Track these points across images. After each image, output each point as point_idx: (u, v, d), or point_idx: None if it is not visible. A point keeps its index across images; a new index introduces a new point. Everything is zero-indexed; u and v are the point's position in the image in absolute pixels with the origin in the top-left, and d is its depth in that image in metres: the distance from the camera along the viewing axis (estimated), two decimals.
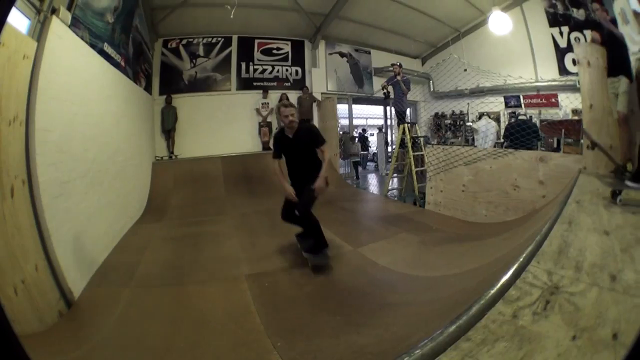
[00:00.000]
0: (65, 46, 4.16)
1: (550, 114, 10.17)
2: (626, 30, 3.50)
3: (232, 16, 9.17)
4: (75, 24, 4.52)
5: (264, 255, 4.61)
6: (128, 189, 6.37)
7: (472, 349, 1.51)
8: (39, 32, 3.64)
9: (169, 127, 9.85)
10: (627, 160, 4.07)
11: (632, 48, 3.46)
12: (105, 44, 5.68)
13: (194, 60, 10.73)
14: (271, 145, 11.05)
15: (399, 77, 8.44)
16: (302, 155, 4.22)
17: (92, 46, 5.11)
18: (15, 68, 3.08)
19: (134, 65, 7.58)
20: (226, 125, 10.83)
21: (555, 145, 7.41)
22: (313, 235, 4.14)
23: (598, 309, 1.63)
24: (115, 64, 6.15)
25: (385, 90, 8.86)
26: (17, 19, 3.33)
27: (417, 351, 1.54)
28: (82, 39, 4.74)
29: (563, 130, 7.21)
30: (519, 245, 2.58)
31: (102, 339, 2.88)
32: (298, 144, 4.21)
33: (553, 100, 10.17)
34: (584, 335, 1.48)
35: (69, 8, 4.35)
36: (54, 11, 3.90)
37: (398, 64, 8.72)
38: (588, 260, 2.08)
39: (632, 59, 3.47)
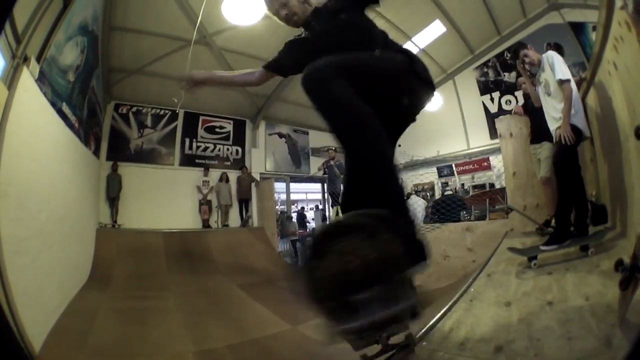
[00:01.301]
0: (31, 101, 4.10)
1: (484, 177, 10.92)
2: (548, 101, 3.71)
3: (177, 110, 9.91)
4: (41, 79, 4.48)
5: (208, 334, 4.71)
6: (75, 253, 6.11)
7: None
8: (11, 80, 3.59)
9: (113, 194, 9.63)
10: (553, 217, 4.33)
11: (552, 118, 3.68)
12: (64, 103, 5.61)
13: (142, 130, 10.75)
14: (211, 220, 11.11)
15: (332, 162, 8.91)
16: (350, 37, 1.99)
17: (53, 104, 5.03)
18: None
19: (86, 127, 7.47)
20: (168, 199, 10.73)
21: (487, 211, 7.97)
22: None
23: None
24: (70, 125, 6.04)
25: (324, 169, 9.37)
26: None
27: None
28: (45, 95, 4.68)
29: (487, 200, 7.70)
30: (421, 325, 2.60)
31: None
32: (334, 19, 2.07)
33: (485, 164, 10.89)
34: None
35: (38, 59, 4.34)
36: (26, 60, 3.88)
37: (333, 148, 9.20)
38: (476, 337, 2.21)
39: (552, 129, 3.68)
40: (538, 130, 4.61)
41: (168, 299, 6.19)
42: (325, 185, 10.75)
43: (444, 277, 5.58)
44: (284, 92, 11.38)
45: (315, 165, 13.38)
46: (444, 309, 2.77)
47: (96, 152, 8.88)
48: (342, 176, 8.73)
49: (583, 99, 4.05)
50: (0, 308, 1.46)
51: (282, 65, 2.31)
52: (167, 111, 11.07)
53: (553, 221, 4.30)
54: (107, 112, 10.12)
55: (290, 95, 11.65)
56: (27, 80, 3.88)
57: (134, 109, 10.69)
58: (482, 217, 7.99)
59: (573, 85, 3.53)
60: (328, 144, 11.60)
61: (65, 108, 5.66)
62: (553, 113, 3.65)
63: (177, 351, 4.07)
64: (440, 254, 5.88)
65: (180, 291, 6.76)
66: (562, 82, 3.48)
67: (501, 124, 6.03)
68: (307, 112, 12.59)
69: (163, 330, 4.67)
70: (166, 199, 10.68)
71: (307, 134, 13.90)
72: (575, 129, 3.41)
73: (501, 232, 5.44)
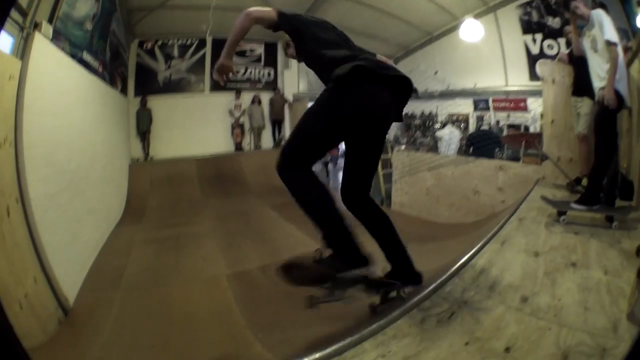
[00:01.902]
0: (48, 61, 4.13)
1: (520, 117, 10.37)
2: (594, 58, 3.57)
3: (207, 35, 9.62)
4: (56, 37, 4.46)
5: (242, 256, 4.81)
6: (108, 193, 6.39)
7: (385, 340, 1.87)
8: (22, 50, 3.60)
9: (143, 129, 9.78)
10: (584, 175, 4.30)
11: (597, 75, 3.54)
12: (85, 52, 5.61)
13: (169, 62, 10.63)
14: (244, 143, 11.30)
15: None
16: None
17: (72, 56, 5.05)
18: (2, 91, 3.09)
19: (111, 69, 7.51)
20: (200, 126, 10.79)
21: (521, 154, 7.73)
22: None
23: (498, 324, 1.87)
24: (94, 71, 6.09)
25: None
26: (1, 39, 3.26)
27: (349, 338, 1.89)
28: (62, 50, 4.69)
29: (523, 142, 7.44)
30: (454, 260, 2.75)
31: (103, 342, 3.01)
32: None
33: (522, 104, 10.33)
34: (476, 343, 1.74)
35: (50, 21, 4.29)
36: (36, 26, 3.84)
37: None
38: (505, 282, 2.27)
39: (596, 87, 3.55)
40: (580, 84, 4.41)
41: (202, 224, 6.45)
42: None
43: (471, 213, 5.63)
44: (316, 12, 10.76)
45: None
46: (477, 247, 2.84)
47: (123, 91, 8.96)
48: None
49: (627, 68, 3.78)
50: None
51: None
52: (194, 40, 10.78)
53: (584, 180, 4.28)
54: (132, 51, 9.97)
55: (323, 15, 10.78)
56: (40, 44, 3.86)
57: (159, 42, 10.47)
58: (514, 159, 7.77)
59: (620, 50, 3.37)
60: None
61: (86, 56, 5.66)
62: (598, 70, 3.51)
63: (211, 275, 4.24)
64: (472, 189, 5.81)
65: (214, 215, 7.00)
66: (609, 44, 3.33)
67: (544, 67, 5.65)
68: None
69: (198, 256, 4.90)
70: (198, 125, 10.74)
71: None
72: (618, 95, 3.29)
73: (533, 178, 5.33)
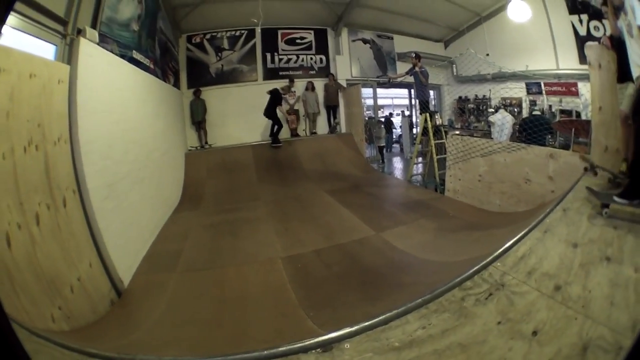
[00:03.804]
0: (97, 62, 4.37)
1: (571, 102, 9.93)
2: (631, 43, 3.40)
3: (258, 28, 10.01)
4: (103, 40, 4.77)
5: (297, 239, 5.00)
6: (165, 181, 6.72)
7: (427, 313, 2.24)
8: (69, 55, 3.85)
9: (198, 118, 10.23)
10: (623, 160, 4.07)
11: (635, 62, 3.37)
12: (134, 51, 6.01)
13: (220, 54, 11.04)
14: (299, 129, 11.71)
15: (416, 69, 8.49)
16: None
17: (122, 56, 5.40)
18: (52, 94, 3.31)
19: (162, 65, 7.93)
20: (255, 114, 10.83)
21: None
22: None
23: (529, 308, 2.02)
24: (145, 68, 6.48)
25: (387, 80, 10.42)
26: (43, 48, 3.58)
27: (395, 310, 2.27)
28: (111, 52, 5.01)
29: (573, 129, 7.18)
30: (498, 245, 2.88)
31: (155, 320, 3.25)
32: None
33: (573, 89, 9.84)
34: (508, 323, 1.96)
35: (93, 26, 4.59)
36: (80, 32, 4.05)
37: (414, 55, 8.79)
38: (542, 270, 2.38)
39: (634, 72, 3.40)
40: (623, 70, 4.12)
41: (258, 209, 6.66)
42: (413, 91, 10.99)
43: (522, 202, 5.56)
44: None
45: (401, 70, 12.89)
46: (521, 234, 2.96)
47: (176, 84, 9.46)
48: (428, 82, 8.56)
49: None
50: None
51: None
52: (242, 31, 11.12)
53: (622, 166, 4.06)
54: (181, 46, 10.48)
55: (371, 0, 11.12)
56: (87, 47, 4.07)
57: (208, 36, 10.90)
58: (564, 146, 7.49)
59: None
60: (413, 49, 11.06)
61: (136, 55, 6.07)
62: (635, 58, 3.35)
63: (267, 258, 4.48)
64: (523, 177, 5.67)
65: (270, 200, 7.23)
66: None
67: (591, 51, 5.28)
68: (390, 16, 12.03)
69: (254, 240, 5.12)
70: (253, 113, 10.82)
71: (392, 38, 13.14)
72: None
73: (581, 168, 5.11)
